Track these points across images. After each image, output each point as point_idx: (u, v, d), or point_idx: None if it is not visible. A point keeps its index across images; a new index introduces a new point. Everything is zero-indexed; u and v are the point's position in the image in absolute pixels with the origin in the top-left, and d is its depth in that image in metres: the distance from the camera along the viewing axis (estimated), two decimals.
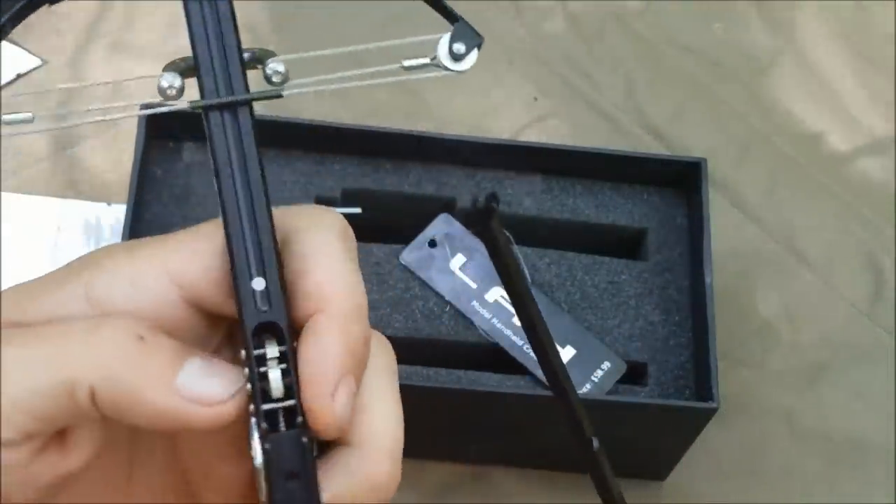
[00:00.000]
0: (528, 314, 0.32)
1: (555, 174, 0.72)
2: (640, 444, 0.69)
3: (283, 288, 0.28)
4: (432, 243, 0.69)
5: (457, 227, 0.70)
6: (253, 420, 0.28)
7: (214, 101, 0.29)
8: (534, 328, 0.33)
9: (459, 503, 0.72)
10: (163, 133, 0.69)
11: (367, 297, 0.29)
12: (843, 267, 0.82)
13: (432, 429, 0.69)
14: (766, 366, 0.78)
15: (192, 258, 0.29)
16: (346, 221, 0.30)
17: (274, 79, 0.31)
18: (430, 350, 0.66)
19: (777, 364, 0.78)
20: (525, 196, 0.72)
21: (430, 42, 0.32)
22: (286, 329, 0.28)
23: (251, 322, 0.28)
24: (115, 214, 0.77)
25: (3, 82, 0.83)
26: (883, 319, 0.80)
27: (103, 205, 0.78)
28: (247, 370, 0.28)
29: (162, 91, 0.30)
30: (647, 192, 0.73)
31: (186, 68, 0.30)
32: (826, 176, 0.86)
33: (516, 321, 0.68)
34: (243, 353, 0.28)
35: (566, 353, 0.67)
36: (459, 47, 0.32)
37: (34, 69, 0.83)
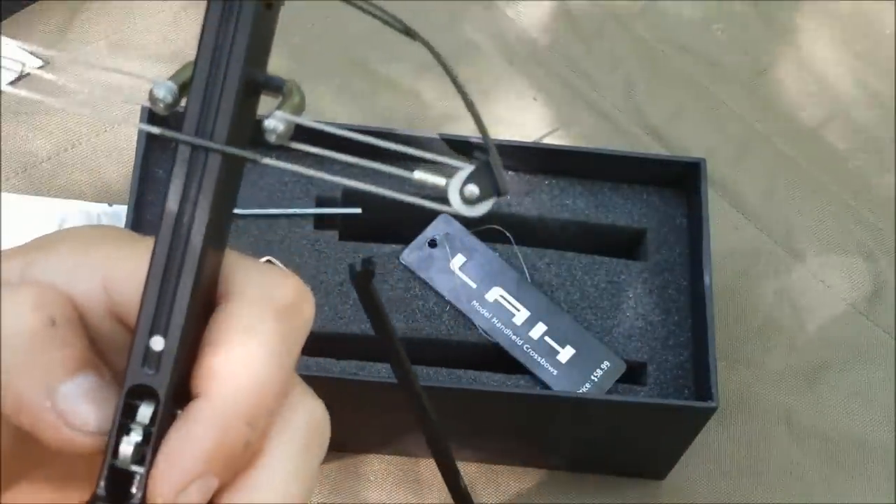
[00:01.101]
0: (404, 369, 0.31)
1: (555, 174, 0.72)
2: (639, 444, 0.69)
3: (179, 357, 0.26)
4: (432, 243, 0.69)
5: (457, 227, 0.70)
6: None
7: (183, 137, 0.26)
8: (408, 381, 0.32)
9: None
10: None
11: (277, 390, 0.26)
12: (843, 267, 0.82)
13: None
14: (765, 366, 0.78)
15: (130, 271, 0.27)
16: (301, 295, 0.27)
17: (268, 136, 0.27)
18: (430, 350, 0.67)
19: (776, 364, 0.78)
20: (525, 196, 0.72)
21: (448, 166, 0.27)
22: (162, 401, 0.26)
23: (130, 380, 0.26)
24: (116, 215, 0.77)
25: (5, 83, 0.83)
26: (882, 319, 0.80)
27: (104, 205, 0.78)
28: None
29: (153, 100, 0.26)
30: (647, 192, 0.73)
31: (187, 83, 0.26)
32: (825, 176, 0.86)
33: (516, 321, 0.68)
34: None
35: (566, 353, 0.67)
36: (472, 190, 0.27)
37: (35, 69, 0.83)
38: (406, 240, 0.69)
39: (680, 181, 0.72)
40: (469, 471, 0.72)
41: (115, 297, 0.27)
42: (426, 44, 0.26)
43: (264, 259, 0.67)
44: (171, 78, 0.26)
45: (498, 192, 0.26)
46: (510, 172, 0.72)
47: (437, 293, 0.68)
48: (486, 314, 0.68)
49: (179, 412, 0.26)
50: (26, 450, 0.28)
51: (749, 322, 0.79)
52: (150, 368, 0.26)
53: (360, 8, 0.26)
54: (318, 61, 0.86)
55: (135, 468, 0.26)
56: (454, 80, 0.26)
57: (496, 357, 0.67)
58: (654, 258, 0.71)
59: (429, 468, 0.72)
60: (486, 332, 0.67)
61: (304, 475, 0.27)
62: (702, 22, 0.93)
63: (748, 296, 0.80)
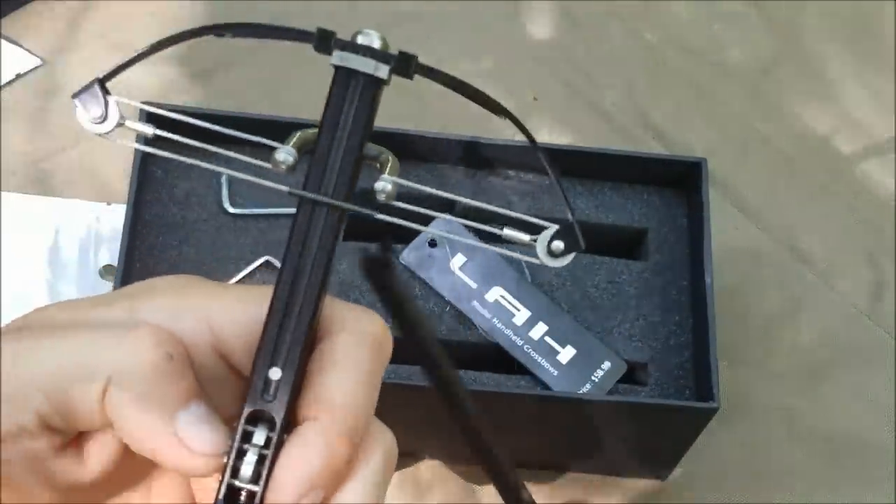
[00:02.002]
0: (438, 372, 0.31)
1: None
2: (640, 444, 0.69)
3: (295, 387, 0.29)
4: (432, 243, 0.69)
5: (457, 227, 0.70)
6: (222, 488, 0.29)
7: (312, 195, 0.30)
8: (446, 386, 0.32)
9: (458, 503, 0.72)
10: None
11: (369, 415, 0.30)
12: (844, 267, 0.82)
13: (431, 428, 0.69)
14: (766, 366, 0.78)
15: (235, 316, 0.31)
16: (386, 329, 0.31)
17: (379, 196, 0.31)
18: None
19: (777, 364, 0.78)
20: (525, 196, 0.72)
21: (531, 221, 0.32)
22: (280, 425, 0.29)
23: (250, 405, 0.29)
24: (115, 214, 0.77)
25: (3, 82, 0.83)
26: (883, 319, 0.80)
27: (103, 205, 0.78)
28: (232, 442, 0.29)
29: (275, 163, 0.30)
30: (647, 192, 0.73)
31: (304, 145, 0.31)
32: (826, 176, 0.86)
33: (516, 321, 0.68)
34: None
35: (566, 353, 0.67)
36: (558, 245, 0.32)
37: (34, 69, 0.83)
38: (406, 240, 0.69)
39: (681, 181, 0.72)
40: (469, 471, 0.72)
41: (221, 336, 0.31)
42: (521, 127, 0.32)
43: (263, 259, 0.67)
44: (290, 143, 0.31)
45: (581, 249, 0.31)
46: (510, 172, 0.72)
47: (437, 293, 0.68)
48: (487, 314, 0.68)
49: (286, 436, 0.29)
50: (116, 474, 0.32)
51: (750, 322, 0.79)
52: (269, 396, 0.29)
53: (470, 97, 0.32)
54: (319, 61, 0.86)
55: (250, 486, 0.29)
56: (551, 170, 0.32)
57: (496, 357, 0.67)
58: (654, 258, 0.71)
59: (429, 468, 0.72)
60: (486, 332, 0.67)
61: (382, 493, 0.31)
62: (703, 22, 0.93)
63: (749, 296, 0.80)
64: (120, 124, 0.30)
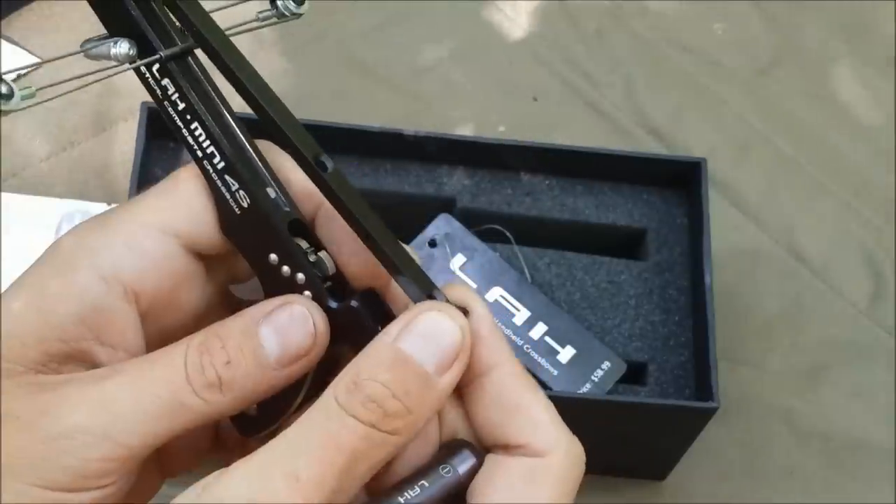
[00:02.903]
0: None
1: (555, 174, 0.72)
2: (639, 444, 0.69)
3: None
4: (432, 243, 0.69)
5: (457, 226, 0.70)
6: None
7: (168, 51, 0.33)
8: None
9: None
10: (163, 133, 0.69)
11: None
12: (843, 267, 0.82)
13: None
14: (766, 366, 0.78)
15: (176, 207, 0.33)
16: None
17: (293, 9, 0.35)
18: None
19: (777, 364, 0.78)
20: (525, 196, 0.72)
21: None
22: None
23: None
24: None
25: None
26: (883, 319, 0.80)
27: (103, 205, 0.78)
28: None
29: (120, 55, 0.33)
30: (647, 192, 0.73)
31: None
32: (826, 176, 0.86)
33: (517, 321, 0.68)
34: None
35: (566, 353, 0.67)
36: None
37: (34, 69, 0.83)
38: (406, 240, 0.69)
39: (680, 181, 0.72)
40: None
41: (180, 232, 0.33)
42: None
43: None
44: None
45: None
46: (510, 172, 0.72)
47: None
48: None
49: None
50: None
51: (749, 322, 0.79)
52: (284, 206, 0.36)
53: None
54: (318, 61, 0.86)
55: None
56: None
57: None
58: (654, 258, 0.71)
59: None
60: None
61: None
62: (702, 21, 0.93)
63: (749, 296, 0.80)
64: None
